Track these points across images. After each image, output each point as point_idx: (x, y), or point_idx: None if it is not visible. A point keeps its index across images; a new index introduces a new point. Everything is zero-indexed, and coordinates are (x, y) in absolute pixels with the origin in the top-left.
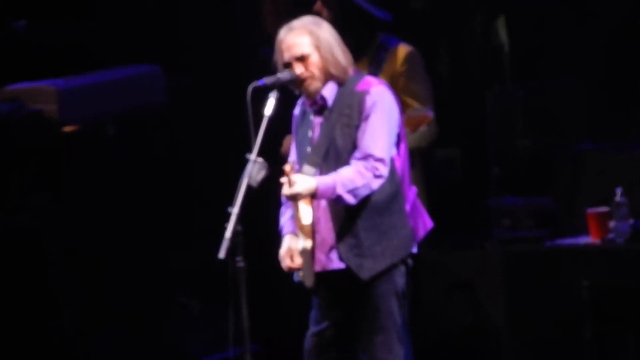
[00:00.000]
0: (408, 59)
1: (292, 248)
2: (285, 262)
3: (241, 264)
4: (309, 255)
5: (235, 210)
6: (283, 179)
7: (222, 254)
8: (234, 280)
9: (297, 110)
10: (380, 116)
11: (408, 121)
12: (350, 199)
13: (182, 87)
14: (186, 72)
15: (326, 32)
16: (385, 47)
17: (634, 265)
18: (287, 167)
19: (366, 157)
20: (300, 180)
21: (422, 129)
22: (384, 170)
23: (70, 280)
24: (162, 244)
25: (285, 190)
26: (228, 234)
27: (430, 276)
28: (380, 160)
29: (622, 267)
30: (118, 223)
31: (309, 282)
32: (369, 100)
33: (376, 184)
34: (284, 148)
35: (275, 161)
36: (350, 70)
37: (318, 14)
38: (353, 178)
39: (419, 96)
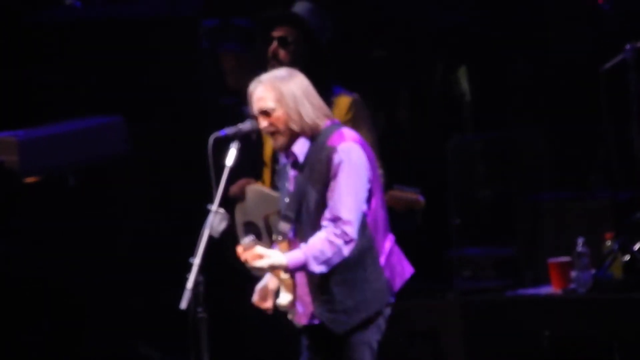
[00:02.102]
0: (352, 106)
1: (268, 288)
2: (255, 298)
3: (202, 315)
4: (288, 307)
5: (196, 260)
6: (242, 256)
7: (183, 304)
8: (195, 331)
9: (283, 160)
10: (347, 175)
11: (396, 203)
12: (323, 269)
13: (144, 137)
14: (149, 122)
15: (294, 86)
16: (331, 97)
17: (596, 315)
18: (240, 248)
19: (335, 219)
20: (270, 255)
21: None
22: (353, 233)
23: (32, 332)
24: (123, 294)
25: (252, 264)
26: (189, 284)
27: (391, 324)
28: (348, 222)
29: (584, 317)
30: (79, 272)
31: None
32: (336, 159)
33: (347, 250)
34: (233, 189)
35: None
36: (323, 123)
37: (275, 54)
38: (323, 249)
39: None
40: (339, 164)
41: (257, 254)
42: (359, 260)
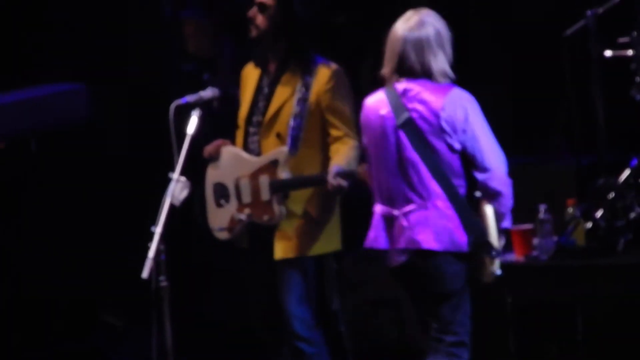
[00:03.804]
0: (332, 76)
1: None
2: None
3: (164, 283)
4: None
5: (158, 229)
6: None
7: (145, 273)
8: (157, 299)
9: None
10: None
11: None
12: None
13: (106, 103)
14: (110, 89)
15: None
16: (312, 66)
17: (558, 281)
18: None
19: None
20: None
21: (350, 153)
22: None
23: None
24: (85, 263)
25: None
26: (151, 253)
27: (356, 292)
28: None
29: (546, 284)
30: (41, 239)
31: None
32: None
33: None
34: (208, 148)
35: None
36: None
37: (252, 19)
38: None
39: (344, 117)
40: None
41: None
42: None
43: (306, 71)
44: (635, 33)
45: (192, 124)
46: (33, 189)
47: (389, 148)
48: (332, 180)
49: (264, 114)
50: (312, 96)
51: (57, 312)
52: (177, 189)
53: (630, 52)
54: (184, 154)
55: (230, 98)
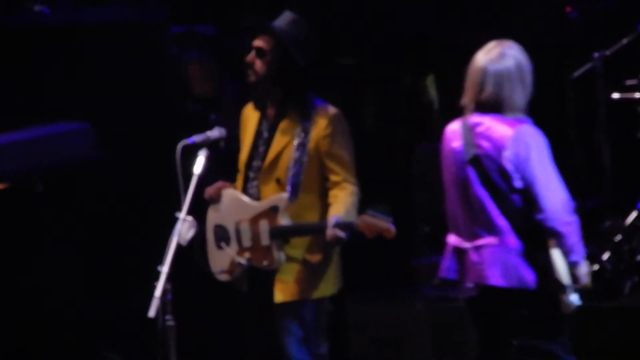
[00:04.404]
0: (332, 121)
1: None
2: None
3: (170, 323)
4: None
5: (165, 268)
6: None
7: (151, 312)
8: (163, 339)
9: None
10: None
11: (367, 228)
12: None
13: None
14: (117, 129)
15: None
16: (311, 110)
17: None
18: None
19: None
20: None
21: (349, 200)
22: None
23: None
24: (90, 299)
25: None
26: (158, 292)
27: (358, 332)
28: None
29: None
30: (47, 276)
31: None
32: None
33: None
34: (209, 190)
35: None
36: None
37: (250, 64)
38: None
39: (343, 162)
40: None
41: None
42: None
43: (304, 116)
44: None
45: (199, 164)
46: (38, 229)
47: (460, 182)
48: (330, 231)
49: (263, 159)
50: (311, 142)
51: (61, 351)
52: (183, 228)
53: (637, 95)
54: (191, 194)
55: (235, 138)
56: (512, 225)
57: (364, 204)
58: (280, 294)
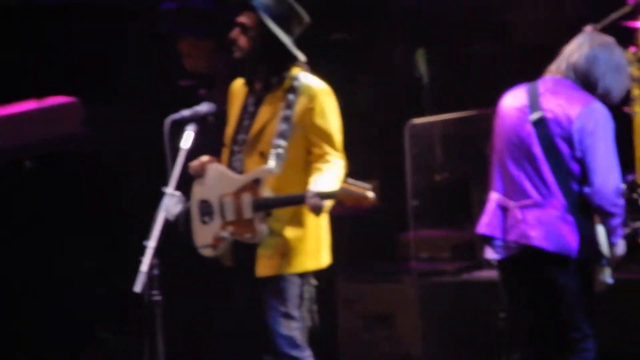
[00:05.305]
0: (318, 95)
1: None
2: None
3: (157, 298)
4: None
5: (151, 243)
6: None
7: (138, 287)
8: (150, 314)
9: None
10: None
11: (347, 197)
12: None
13: (102, 118)
14: (107, 104)
15: None
16: (296, 85)
17: None
18: None
19: None
20: None
21: (331, 172)
22: None
23: None
24: (80, 277)
25: None
26: (144, 267)
27: (348, 307)
28: None
29: None
30: (35, 254)
31: None
32: None
33: None
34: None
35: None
36: None
37: (235, 40)
38: None
39: (327, 136)
40: None
41: None
42: None
43: (290, 90)
44: None
45: (187, 139)
46: (27, 205)
47: (518, 141)
48: (309, 200)
49: (248, 132)
50: (296, 115)
51: (51, 326)
52: (171, 203)
53: None
54: (179, 169)
55: (225, 114)
56: (563, 191)
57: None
58: (262, 268)
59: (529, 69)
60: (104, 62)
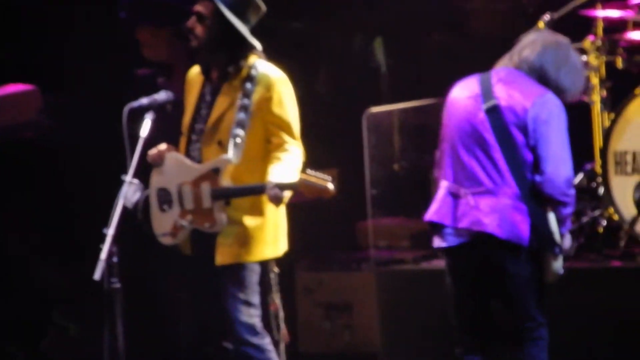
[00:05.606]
0: (275, 84)
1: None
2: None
3: (116, 285)
4: None
5: (110, 231)
6: None
7: (97, 275)
8: (109, 301)
9: None
10: None
11: (306, 188)
12: None
13: (60, 107)
14: (65, 92)
15: None
16: (254, 73)
17: None
18: None
19: None
20: None
21: (289, 162)
22: None
23: None
24: (38, 265)
25: None
26: (103, 255)
27: (307, 295)
28: None
29: None
30: None
31: None
32: None
33: None
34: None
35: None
36: None
37: (192, 29)
38: None
39: (285, 124)
40: None
41: None
42: None
43: (247, 79)
44: None
45: (146, 127)
46: None
47: (471, 129)
48: (269, 191)
49: (205, 122)
50: (254, 105)
51: (8, 315)
52: (129, 191)
53: (585, 58)
54: (137, 157)
55: (182, 102)
56: (516, 179)
57: (312, 168)
58: (221, 256)
59: (486, 59)
60: (61, 50)
